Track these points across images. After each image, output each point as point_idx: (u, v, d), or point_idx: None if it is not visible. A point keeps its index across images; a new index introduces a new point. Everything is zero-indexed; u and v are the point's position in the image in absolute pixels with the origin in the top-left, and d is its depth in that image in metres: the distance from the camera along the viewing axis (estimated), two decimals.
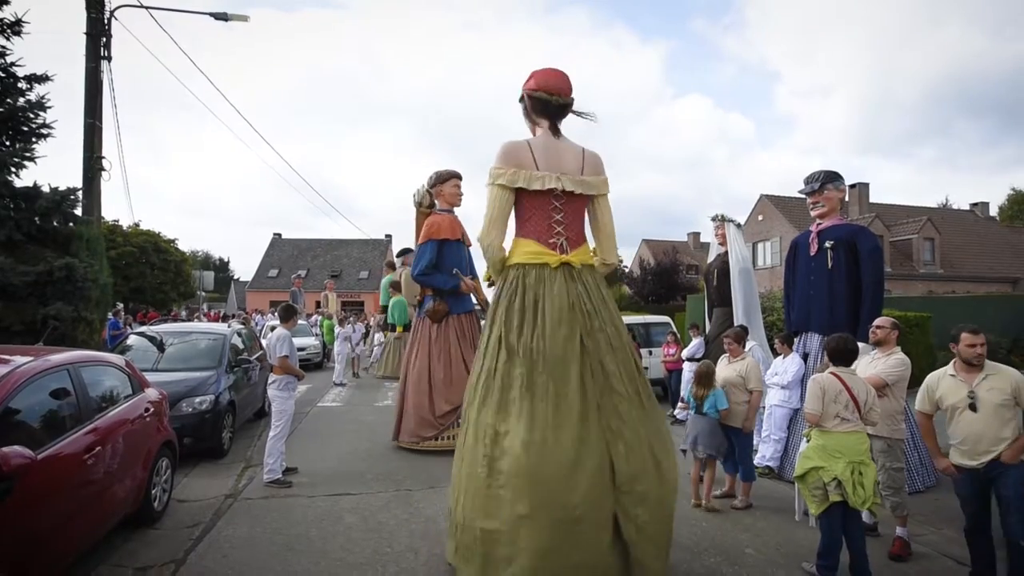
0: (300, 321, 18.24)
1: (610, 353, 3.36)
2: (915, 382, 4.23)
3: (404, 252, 14.28)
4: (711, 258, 8.32)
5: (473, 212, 6.85)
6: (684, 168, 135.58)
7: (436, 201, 7.12)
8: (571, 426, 3.14)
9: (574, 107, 3.64)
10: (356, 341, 14.50)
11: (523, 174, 3.43)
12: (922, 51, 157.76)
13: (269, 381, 5.75)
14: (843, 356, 3.74)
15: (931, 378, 3.71)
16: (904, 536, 4.01)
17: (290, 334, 5.80)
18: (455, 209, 7.13)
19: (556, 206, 3.51)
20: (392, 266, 15.09)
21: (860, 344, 4.93)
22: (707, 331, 8.26)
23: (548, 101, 3.55)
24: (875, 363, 4.29)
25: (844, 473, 3.43)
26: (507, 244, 3.68)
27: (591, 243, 3.77)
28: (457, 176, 7.09)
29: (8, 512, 2.79)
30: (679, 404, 8.42)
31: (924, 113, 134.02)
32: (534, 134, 3.68)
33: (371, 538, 4.22)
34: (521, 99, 3.71)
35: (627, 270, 40.93)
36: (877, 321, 4.44)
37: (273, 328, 6.29)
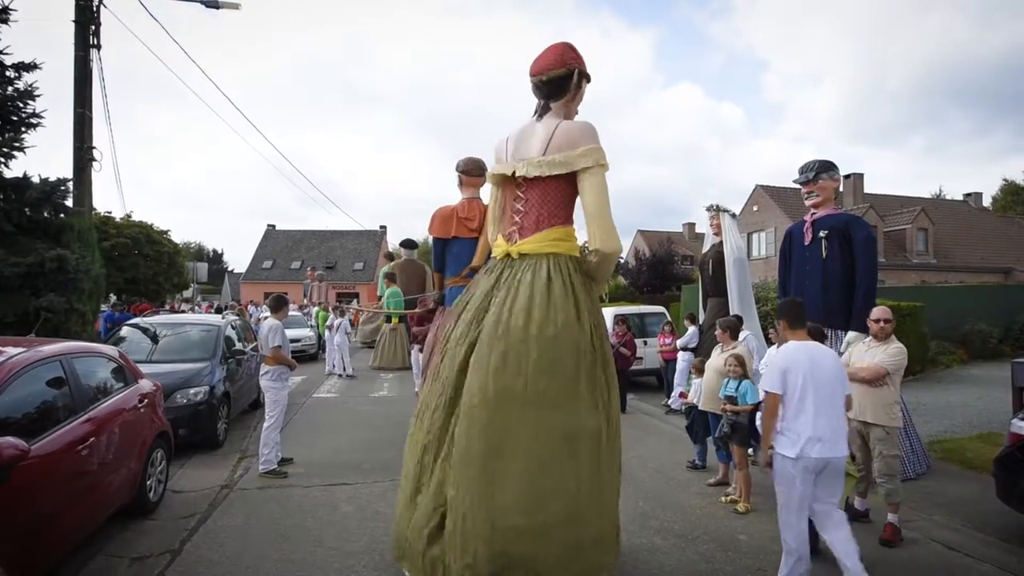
0: (294, 312, 18.27)
1: (488, 346, 3.08)
2: (906, 371, 4.28)
3: (410, 244, 14.24)
4: (706, 248, 8.35)
5: (446, 199, 6.63)
6: (677, 158, 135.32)
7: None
8: (435, 411, 3.19)
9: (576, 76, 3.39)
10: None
11: (497, 168, 3.47)
12: (909, 38, 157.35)
13: (262, 372, 5.76)
14: None
15: None
16: (895, 522, 4.06)
17: (282, 324, 5.80)
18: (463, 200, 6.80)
19: (518, 195, 3.40)
20: (390, 256, 15.06)
21: (851, 333, 4.98)
22: (701, 321, 8.30)
23: (535, 83, 3.46)
24: (872, 351, 4.32)
25: None
26: None
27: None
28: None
29: (1, 503, 2.78)
30: (674, 394, 8.48)
31: (914, 102, 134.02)
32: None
33: (367, 527, 4.24)
34: None
35: (623, 261, 40.98)
36: (880, 314, 4.38)
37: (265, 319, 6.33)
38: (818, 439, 3.12)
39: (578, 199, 3.32)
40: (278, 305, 5.98)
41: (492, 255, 3.53)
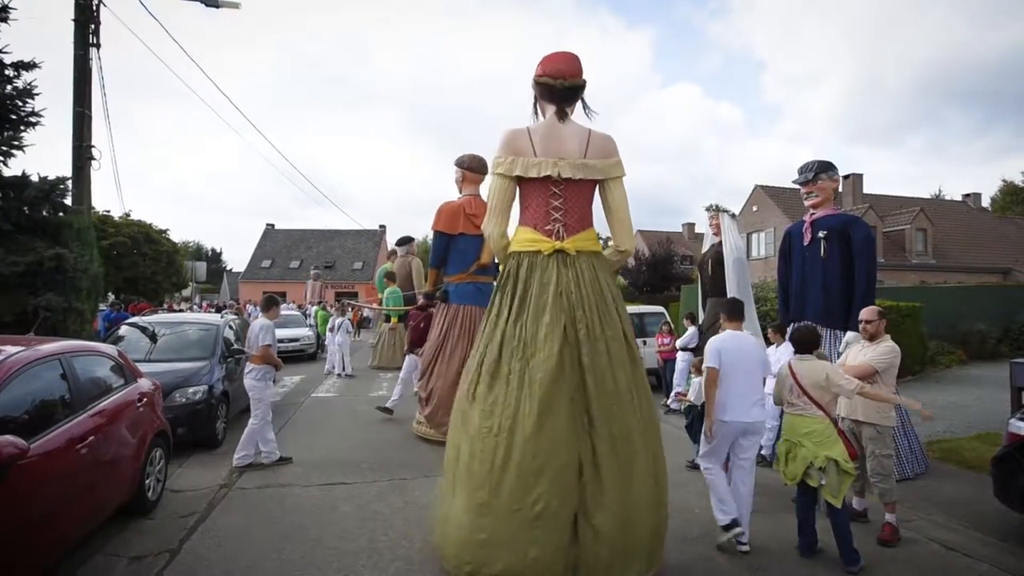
0: (293, 311, 18.26)
1: (588, 343, 3.25)
2: (905, 371, 4.27)
3: (404, 241, 14.25)
4: (705, 248, 8.35)
5: (444, 199, 6.64)
6: (676, 157, 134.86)
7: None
8: (542, 417, 3.10)
9: (584, 91, 3.61)
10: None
11: (520, 161, 3.42)
12: (908, 39, 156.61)
13: (247, 371, 5.84)
14: (801, 346, 4.03)
15: None
16: (893, 522, 4.06)
17: (272, 324, 5.88)
18: (462, 195, 6.70)
19: (555, 192, 3.47)
20: (394, 255, 15.09)
21: (851, 333, 4.98)
22: (701, 321, 8.30)
23: (553, 86, 3.52)
24: (865, 351, 4.32)
25: (780, 449, 3.84)
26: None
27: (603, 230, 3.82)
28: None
29: (0, 502, 2.78)
30: (673, 394, 8.48)
31: (912, 102, 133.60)
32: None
33: (366, 527, 4.24)
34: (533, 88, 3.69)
35: None
36: (864, 315, 4.39)
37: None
38: (750, 405, 3.83)
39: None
40: (268, 305, 6.07)
41: (524, 249, 3.47)
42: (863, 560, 3.61)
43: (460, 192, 6.70)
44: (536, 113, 3.72)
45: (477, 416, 3.23)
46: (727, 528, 3.77)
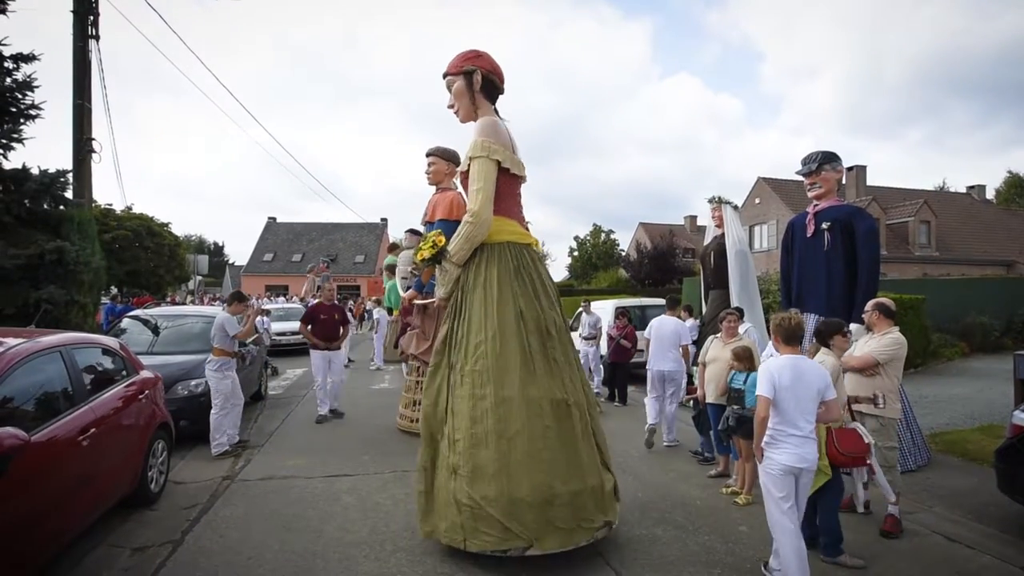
0: (295, 305, 18.22)
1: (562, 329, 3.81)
2: (908, 364, 4.24)
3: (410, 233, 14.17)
4: (708, 240, 8.33)
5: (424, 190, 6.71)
6: (677, 150, 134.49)
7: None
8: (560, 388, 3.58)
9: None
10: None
11: (509, 155, 3.50)
12: (907, 29, 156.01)
13: (207, 361, 5.98)
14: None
15: None
16: (895, 513, 4.05)
17: (234, 318, 6.02)
18: (437, 187, 6.53)
19: (519, 191, 3.72)
20: (396, 247, 15.04)
21: (854, 325, 4.96)
22: (703, 313, 8.29)
23: (500, 88, 3.67)
24: (870, 342, 4.29)
25: None
26: None
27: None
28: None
29: (2, 493, 2.78)
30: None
31: (912, 93, 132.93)
32: (473, 112, 3.64)
33: (368, 518, 4.25)
34: (469, 73, 3.58)
35: (624, 253, 40.94)
36: (868, 305, 4.41)
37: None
38: (666, 360, 6.32)
39: None
40: (232, 299, 6.27)
41: (521, 241, 3.65)
42: (866, 552, 3.60)
43: (437, 184, 6.45)
44: (473, 103, 3.65)
45: (543, 393, 3.43)
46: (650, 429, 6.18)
